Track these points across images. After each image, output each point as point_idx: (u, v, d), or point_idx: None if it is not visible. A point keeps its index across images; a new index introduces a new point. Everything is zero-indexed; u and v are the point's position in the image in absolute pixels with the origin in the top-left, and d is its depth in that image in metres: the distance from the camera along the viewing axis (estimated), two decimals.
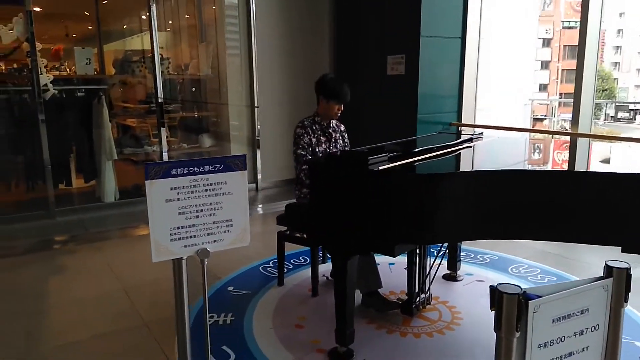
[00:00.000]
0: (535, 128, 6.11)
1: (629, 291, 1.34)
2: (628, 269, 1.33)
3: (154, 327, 2.78)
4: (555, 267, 3.62)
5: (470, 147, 2.88)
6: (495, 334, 1.25)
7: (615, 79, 39.72)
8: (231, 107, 6.31)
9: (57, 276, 3.63)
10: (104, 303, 3.14)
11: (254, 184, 6.23)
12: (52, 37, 7.99)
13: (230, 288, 3.30)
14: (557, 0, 38.54)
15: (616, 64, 41.32)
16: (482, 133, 3.13)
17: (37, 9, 4.85)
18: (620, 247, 2.10)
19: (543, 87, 37.36)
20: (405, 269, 2.81)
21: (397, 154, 2.37)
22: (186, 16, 7.42)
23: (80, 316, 2.97)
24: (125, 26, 8.09)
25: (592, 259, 3.72)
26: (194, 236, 1.55)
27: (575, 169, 3.69)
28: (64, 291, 3.35)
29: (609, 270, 1.34)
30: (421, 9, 4.99)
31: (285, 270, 3.46)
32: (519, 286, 1.22)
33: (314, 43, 6.18)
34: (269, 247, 3.95)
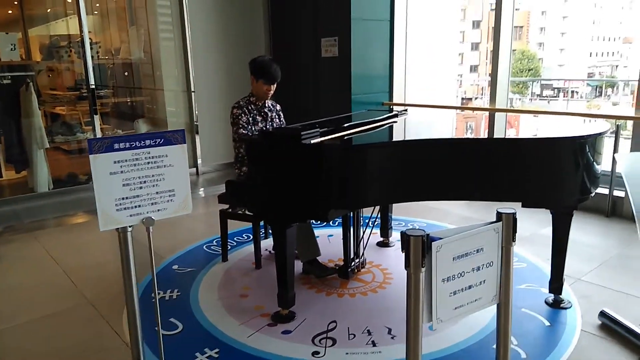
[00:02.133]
0: (460, 106, 6.53)
1: (516, 232, 1.61)
2: (514, 214, 1.60)
3: (99, 305, 2.86)
4: None
5: (395, 122, 3.13)
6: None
7: (540, 59, 41.98)
8: (167, 92, 6.28)
9: None
10: (46, 287, 3.16)
11: (195, 169, 6.27)
12: None
13: (175, 267, 3.41)
14: None
15: (541, 44, 43.70)
16: (406, 110, 3.38)
17: None
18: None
19: (474, 68, 38.97)
20: (342, 239, 3.03)
21: (327, 129, 2.56)
22: None
23: (24, 300, 2.99)
24: (49, 10, 7.74)
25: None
26: (139, 206, 1.67)
27: None
28: (4, 278, 3.33)
29: (499, 216, 1.60)
30: None
31: (229, 247, 3.60)
32: (423, 230, 1.45)
33: (249, 26, 6.24)
34: (211, 228, 4.08)
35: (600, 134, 2.42)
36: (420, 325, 1.49)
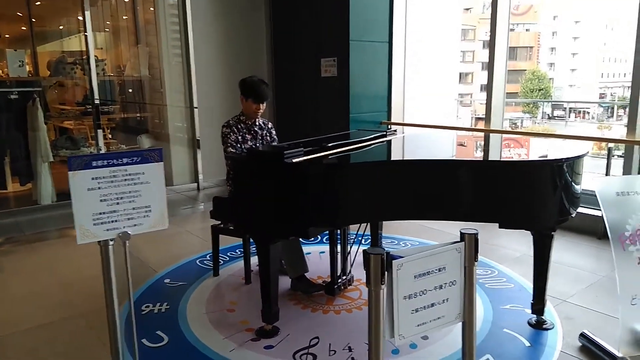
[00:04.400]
0: (457, 126, 6.47)
1: (478, 252, 1.65)
2: (476, 234, 1.65)
3: (90, 317, 2.92)
4: None
5: (382, 142, 3.20)
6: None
7: (550, 79, 41.99)
8: (170, 108, 6.41)
9: None
10: (41, 298, 3.23)
11: (196, 184, 6.37)
12: None
13: (167, 280, 3.47)
14: None
15: (551, 64, 43.78)
16: (395, 130, 3.45)
17: None
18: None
19: (484, 88, 39.01)
20: (329, 256, 3.08)
21: (312, 149, 2.62)
22: (124, 17, 7.43)
23: (18, 310, 3.06)
24: (60, 27, 7.98)
25: (502, 242, 4.13)
26: (116, 221, 1.75)
27: None
28: (1, 289, 3.41)
29: (462, 236, 1.65)
30: (349, 15, 5.32)
31: (222, 262, 3.67)
32: (383, 248, 1.50)
33: (251, 45, 6.39)
34: (207, 243, 4.12)
35: (578, 157, 2.46)
36: (380, 339, 1.54)
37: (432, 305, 1.62)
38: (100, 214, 1.71)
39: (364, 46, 5.51)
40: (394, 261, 1.50)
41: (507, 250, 3.93)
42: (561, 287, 3.24)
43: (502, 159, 2.36)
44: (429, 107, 6.32)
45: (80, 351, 2.58)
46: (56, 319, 2.93)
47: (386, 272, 1.50)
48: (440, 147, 4.35)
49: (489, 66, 4.88)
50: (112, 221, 1.74)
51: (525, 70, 39.82)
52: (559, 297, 3.11)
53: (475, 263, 1.65)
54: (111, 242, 1.86)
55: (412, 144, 3.72)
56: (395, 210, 2.38)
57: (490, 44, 4.83)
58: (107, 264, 1.87)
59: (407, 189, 2.35)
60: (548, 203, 2.40)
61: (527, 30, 42.49)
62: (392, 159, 3.18)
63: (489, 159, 4.37)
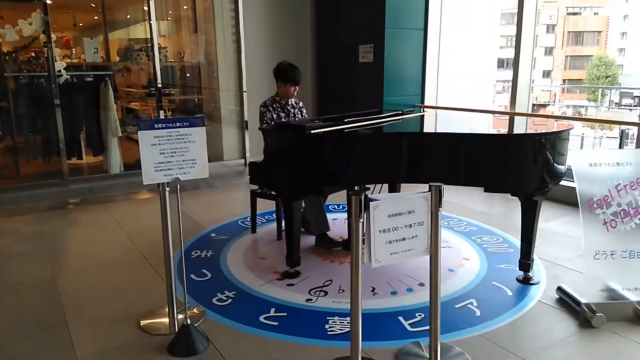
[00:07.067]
0: (492, 110, 6.53)
1: (442, 199, 2.11)
2: (441, 187, 2.10)
3: (151, 259, 3.60)
4: (482, 222, 4.37)
5: (399, 120, 3.65)
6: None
7: (619, 65, 39.85)
8: (222, 91, 7.08)
9: (72, 227, 4.46)
10: (111, 243, 3.95)
11: (243, 160, 7.03)
12: (60, 26, 8.73)
13: (213, 235, 4.11)
14: None
15: (621, 50, 41.49)
16: (413, 109, 3.89)
17: (49, 1, 5.55)
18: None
19: (546, 74, 37.66)
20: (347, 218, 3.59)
21: (331, 123, 3.13)
22: (184, 7, 8.15)
23: (93, 251, 3.79)
24: (128, 16, 8.82)
25: (508, 213, 4.48)
26: (170, 169, 2.34)
27: None
28: (79, 235, 4.19)
29: (430, 188, 2.12)
30: (385, 4, 5.73)
31: (259, 223, 4.28)
32: (362, 192, 2.00)
33: (296, 33, 6.93)
34: (248, 208, 4.75)
35: (556, 133, 2.83)
36: (359, 261, 2.04)
37: (403, 239, 2.09)
38: (160, 163, 2.30)
39: (400, 33, 5.91)
40: (371, 202, 1.99)
41: (518, 223, 4.28)
42: (558, 254, 3.60)
43: (486, 133, 2.74)
44: (464, 92, 6.60)
45: (143, 281, 3.25)
46: (124, 258, 3.63)
47: (365, 211, 2.00)
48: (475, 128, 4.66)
49: (515, 50, 5.14)
50: (168, 169, 2.33)
51: (592, 56, 38.03)
52: (553, 261, 3.48)
53: (440, 209, 2.11)
54: (167, 188, 2.47)
55: (445, 124, 4.11)
56: (396, 175, 2.86)
57: (518, 26, 5.06)
58: (164, 204, 2.48)
59: (407, 157, 2.82)
60: (527, 171, 2.79)
61: (595, 14, 40.46)
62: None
63: None
